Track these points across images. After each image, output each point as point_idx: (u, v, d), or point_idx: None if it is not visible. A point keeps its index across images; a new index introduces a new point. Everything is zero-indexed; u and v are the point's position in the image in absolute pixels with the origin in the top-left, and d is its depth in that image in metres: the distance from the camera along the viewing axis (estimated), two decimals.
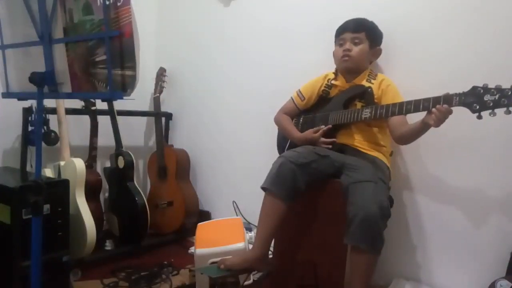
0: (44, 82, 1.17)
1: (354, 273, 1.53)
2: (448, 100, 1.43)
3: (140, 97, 2.91)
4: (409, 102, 1.56)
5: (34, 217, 1.20)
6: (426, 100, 1.48)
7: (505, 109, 1.33)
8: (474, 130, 1.71)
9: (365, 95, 1.80)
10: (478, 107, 1.37)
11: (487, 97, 1.36)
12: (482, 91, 1.37)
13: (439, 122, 1.44)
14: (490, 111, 1.36)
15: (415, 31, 1.88)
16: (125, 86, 1.03)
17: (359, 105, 1.81)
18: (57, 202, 1.74)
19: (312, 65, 2.13)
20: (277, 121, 2.09)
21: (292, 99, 2.04)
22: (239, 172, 2.62)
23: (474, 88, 1.39)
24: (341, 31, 1.86)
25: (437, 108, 1.43)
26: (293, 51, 2.33)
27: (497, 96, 1.34)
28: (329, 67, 1.96)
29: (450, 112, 1.42)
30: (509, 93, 1.32)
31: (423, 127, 1.52)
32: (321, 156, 1.69)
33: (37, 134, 1.30)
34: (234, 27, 2.62)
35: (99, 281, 1.94)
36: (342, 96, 1.86)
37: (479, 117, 1.38)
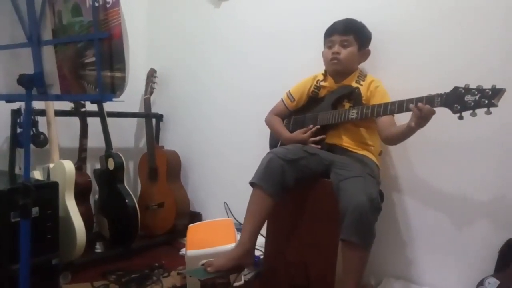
0: (32, 84, 1.16)
1: (346, 271, 1.54)
2: (430, 101, 1.43)
3: (130, 98, 2.88)
4: (393, 103, 1.57)
5: (23, 220, 1.19)
6: (410, 100, 1.49)
7: (485, 109, 1.34)
8: (463, 132, 1.74)
9: (352, 95, 1.81)
10: (459, 107, 1.38)
11: (467, 98, 1.36)
12: (463, 91, 1.38)
13: (421, 122, 1.44)
14: (470, 111, 1.36)
15: (406, 33, 1.90)
16: (114, 88, 1.02)
17: (347, 105, 1.83)
18: (46, 204, 1.73)
19: (303, 66, 2.14)
20: (267, 122, 2.10)
21: (282, 100, 2.05)
22: (230, 173, 2.62)
23: (456, 88, 1.40)
24: (330, 33, 1.87)
25: (418, 106, 1.43)
26: (284, 52, 2.34)
27: (477, 97, 1.35)
28: (320, 68, 1.97)
29: (432, 112, 1.42)
30: (490, 93, 1.32)
31: (408, 130, 1.52)
32: (310, 154, 1.70)
33: (25, 136, 1.29)
34: (225, 28, 2.62)
35: (90, 283, 1.92)
36: (331, 97, 1.87)
37: (460, 117, 1.38)
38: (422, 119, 1.43)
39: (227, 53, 2.62)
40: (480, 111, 1.35)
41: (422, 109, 1.42)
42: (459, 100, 1.38)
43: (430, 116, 1.43)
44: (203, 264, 1.74)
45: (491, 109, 1.33)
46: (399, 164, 1.95)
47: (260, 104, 2.23)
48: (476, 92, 1.35)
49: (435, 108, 1.42)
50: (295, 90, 2.02)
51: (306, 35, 2.21)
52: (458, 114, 1.39)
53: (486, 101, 1.33)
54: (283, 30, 2.34)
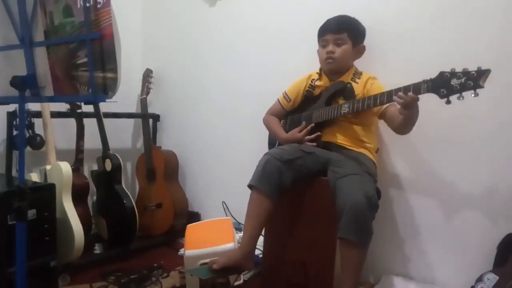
0: (25, 85, 1.16)
1: (344, 269, 1.54)
2: (417, 88, 1.43)
3: (126, 99, 2.89)
4: (382, 94, 1.57)
5: (18, 222, 1.19)
6: (398, 89, 1.49)
7: (472, 91, 1.32)
8: (461, 129, 1.74)
9: (345, 91, 1.81)
10: (445, 92, 1.37)
11: (453, 81, 1.35)
12: (449, 75, 1.37)
13: (407, 110, 1.46)
14: (458, 95, 1.35)
15: (402, 30, 1.89)
16: (106, 89, 1.02)
17: (341, 102, 1.82)
18: (44, 206, 1.72)
19: (300, 64, 2.13)
20: (265, 122, 2.10)
21: (279, 101, 2.05)
22: (228, 172, 2.61)
23: (441, 73, 1.39)
24: (323, 31, 1.86)
25: (399, 96, 1.44)
26: (281, 51, 2.33)
27: (463, 79, 1.33)
28: (317, 67, 1.96)
29: (415, 99, 1.43)
30: (475, 75, 1.31)
31: (404, 118, 1.54)
32: (306, 153, 1.70)
33: (20, 138, 1.28)
34: (220, 27, 2.61)
35: (89, 285, 1.92)
36: (325, 94, 1.87)
37: (448, 102, 1.37)
38: (407, 107, 1.45)
39: (223, 52, 2.61)
40: (467, 95, 1.34)
41: (404, 98, 1.43)
42: (446, 84, 1.37)
43: (413, 103, 1.44)
44: (202, 264, 1.75)
45: (478, 91, 1.32)
46: (397, 161, 1.94)
47: (257, 103, 2.23)
48: (461, 75, 1.34)
49: (422, 95, 1.42)
50: (290, 90, 2.02)
51: (302, 33, 2.20)
52: (445, 99, 1.37)
53: (472, 83, 1.31)
54: (279, 29, 2.33)
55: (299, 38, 2.23)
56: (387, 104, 1.66)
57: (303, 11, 2.22)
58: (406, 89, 1.46)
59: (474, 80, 1.31)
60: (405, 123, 1.58)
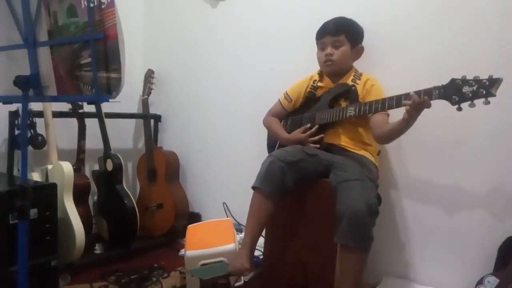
0: (29, 85, 1.16)
1: (344, 273, 1.54)
2: (428, 94, 1.43)
3: (128, 99, 2.89)
4: (390, 98, 1.57)
5: (21, 221, 1.19)
6: (407, 95, 1.48)
7: (483, 99, 1.33)
8: (461, 131, 1.74)
9: (349, 93, 1.81)
10: (457, 99, 1.37)
11: (465, 89, 1.36)
12: (460, 83, 1.37)
13: (414, 113, 1.44)
14: (469, 102, 1.36)
15: (401, 32, 1.90)
16: (110, 89, 1.02)
17: (343, 104, 1.82)
18: (45, 206, 1.73)
19: (301, 65, 2.13)
20: (265, 123, 2.10)
21: (280, 101, 2.05)
22: (229, 173, 2.62)
23: (453, 80, 1.39)
24: (321, 34, 1.86)
25: (410, 95, 1.43)
26: (281, 52, 2.34)
27: (475, 87, 1.34)
28: (316, 67, 1.97)
29: (428, 104, 1.41)
30: (487, 83, 1.32)
31: (402, 124, 1.51)
32: (309, 155, 1.70)
33: (22, 137, 1.29)
34: (222, 28, 2.62)
35: (89, 285, 1.93)
36: (328, 96, 1.87)
37: (459, 109, 1.37)
38: (415, 110, 1.43)
39: (224, 53, 2.61)
40: (478, 102, 1.34)
41: (416, 99, 1.41)
42: (457, 92, 1.37)
43: (423, 106, 1.42)
44: (203, 265, 1.75)
45: (489, 99, 1.32)
46: (397, 163, 1.94)
47: (258, 104, 2.23)
48: (473, 83, 1.35)
49: (434, 101, 1.41)
50: (292, 91, 2.01)
51: (303, 35, 2.20)
52: (456, 106, 1.38)
53: (484, 91, 1.32)
54: (280, 30, 2.33)
55: (299, 39, 2.23)
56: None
57: (303, 13, 2.23)
58: (417, 94, 1.45)
59: (486, 88, 1.32)
60: (399, 129, 1.55)
